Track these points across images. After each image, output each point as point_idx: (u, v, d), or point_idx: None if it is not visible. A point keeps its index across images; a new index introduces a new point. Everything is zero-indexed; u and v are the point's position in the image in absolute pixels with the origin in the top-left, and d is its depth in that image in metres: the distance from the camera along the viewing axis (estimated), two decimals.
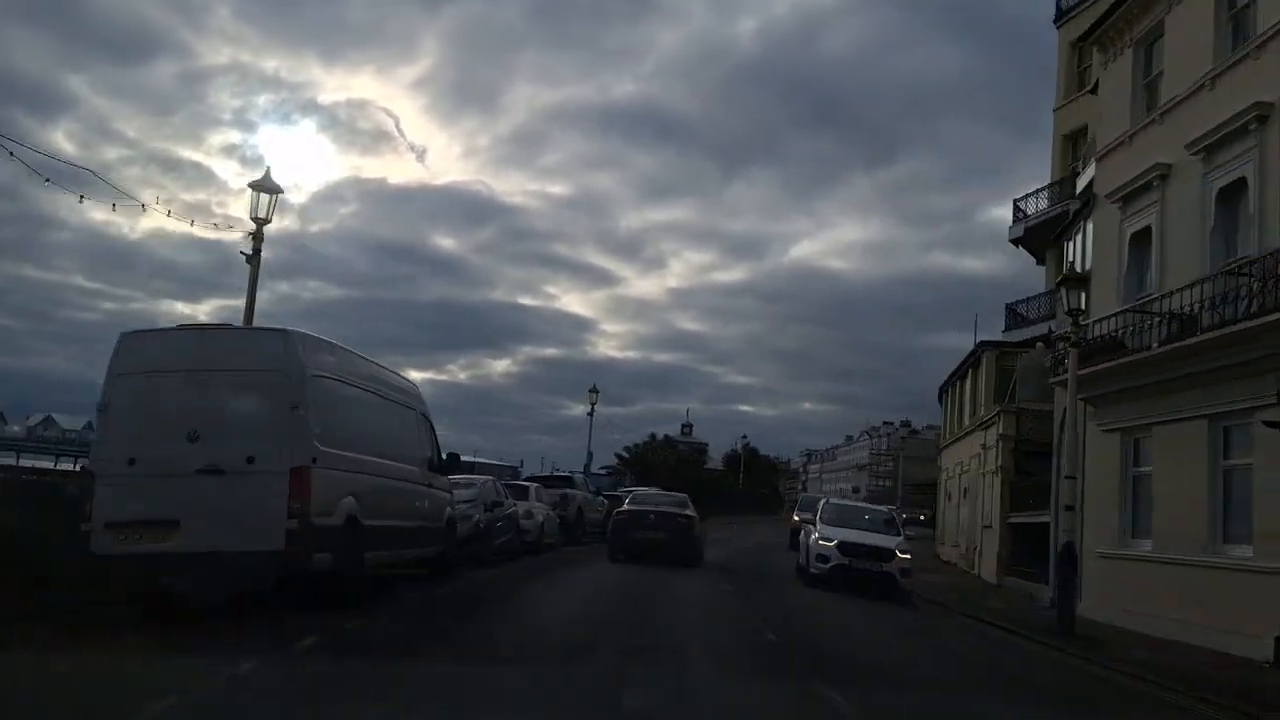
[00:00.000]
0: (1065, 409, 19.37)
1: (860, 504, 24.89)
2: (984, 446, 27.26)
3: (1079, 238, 19.52)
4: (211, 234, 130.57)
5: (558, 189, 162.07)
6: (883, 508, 24.77)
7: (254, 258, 15.51)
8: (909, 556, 18.66)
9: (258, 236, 15.52)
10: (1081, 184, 26.84)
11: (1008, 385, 27.00)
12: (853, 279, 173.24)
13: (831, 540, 18.17)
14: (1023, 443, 24.97)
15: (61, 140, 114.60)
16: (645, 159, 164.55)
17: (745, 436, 70.03)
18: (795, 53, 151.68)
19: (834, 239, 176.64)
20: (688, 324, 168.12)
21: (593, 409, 39.16)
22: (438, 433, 14.30)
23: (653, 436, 58.82)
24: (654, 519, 20.43)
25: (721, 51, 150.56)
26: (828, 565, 17.93)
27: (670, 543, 19.89)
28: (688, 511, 21.35)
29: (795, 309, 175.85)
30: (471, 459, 41.31)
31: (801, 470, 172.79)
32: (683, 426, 65.10)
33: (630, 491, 35.91)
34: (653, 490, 26.78)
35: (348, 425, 10.75)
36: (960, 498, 30.70)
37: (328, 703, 6.50)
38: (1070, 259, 19.57)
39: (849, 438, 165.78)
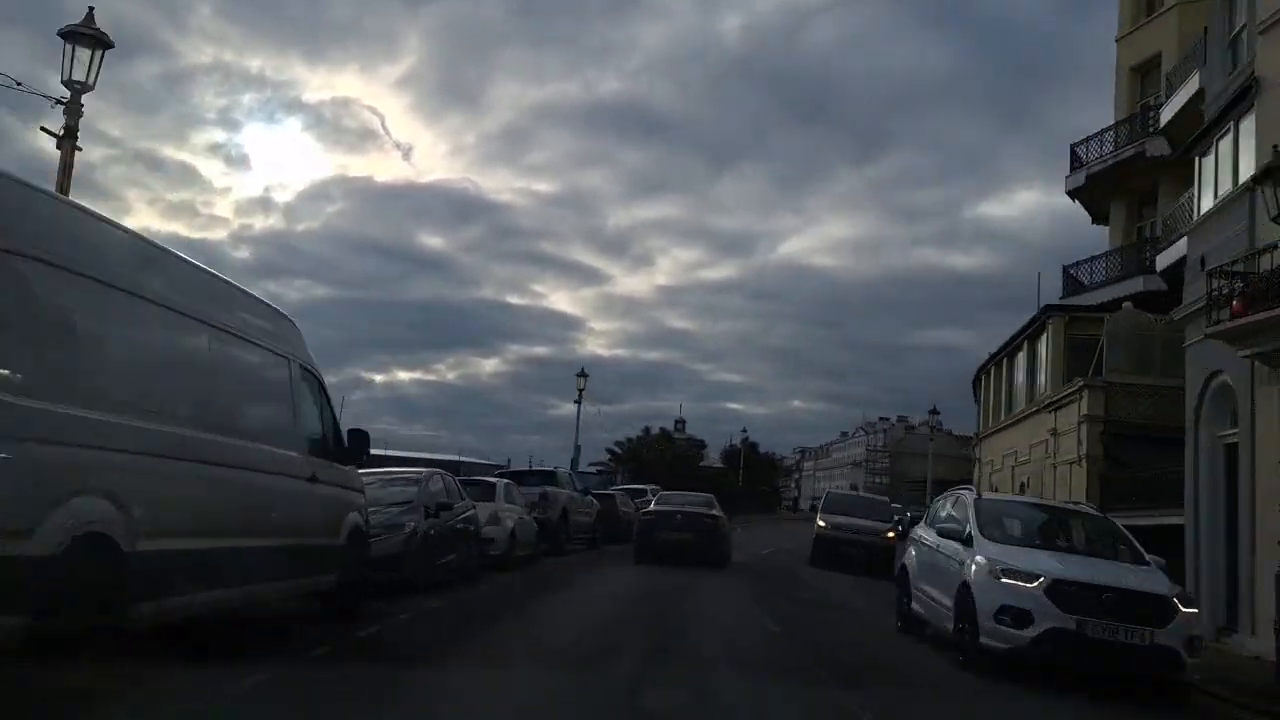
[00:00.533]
0: (1212, 373, 14.34)
1: (1049, 502, 14.78)
2: (1053, 431, 22.20)
3: (1225, 142, 14.44)
4: (197, 233, 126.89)
5: (545, 187, 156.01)
6: (1089, 508, 12.91)
7: (65, 140, 10.30)
8: (1196, 611, 10.01)
9: (72, 108, 10.32)
10: (1167, 115, 21.96)
11: (1087, 356, 21.97)
12: (841, 276, 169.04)
13: (1034, 579, 9.05)
14: (1112, 424, 19.92)
15: (44, 139, 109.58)
16: (633, 156, 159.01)
17: (745, 430, 65.00)
18: (780, 49, 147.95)
19: (822, 235, 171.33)
20: (676, 322, 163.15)
21: (580, 396, 34.03)
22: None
23: (646, 431, 53.66)
24: (681, 519, 20.13)
25: (707, 48, 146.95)
26: (1030, 631, 8.83)
27: (697, 543, 19.60)
28: (714, 512, 20.95)
29: (784, 306, 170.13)
30: (456, 458, 36.24)
31: (795, 468, 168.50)
32: (676, 423, 59.93)
33: (626, 491, 31.06)
34: (676, 491, 25.85)
35: (100, 359, 5.60)
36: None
37: None
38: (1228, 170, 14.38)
39: (844, 434, 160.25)
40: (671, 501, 21.96)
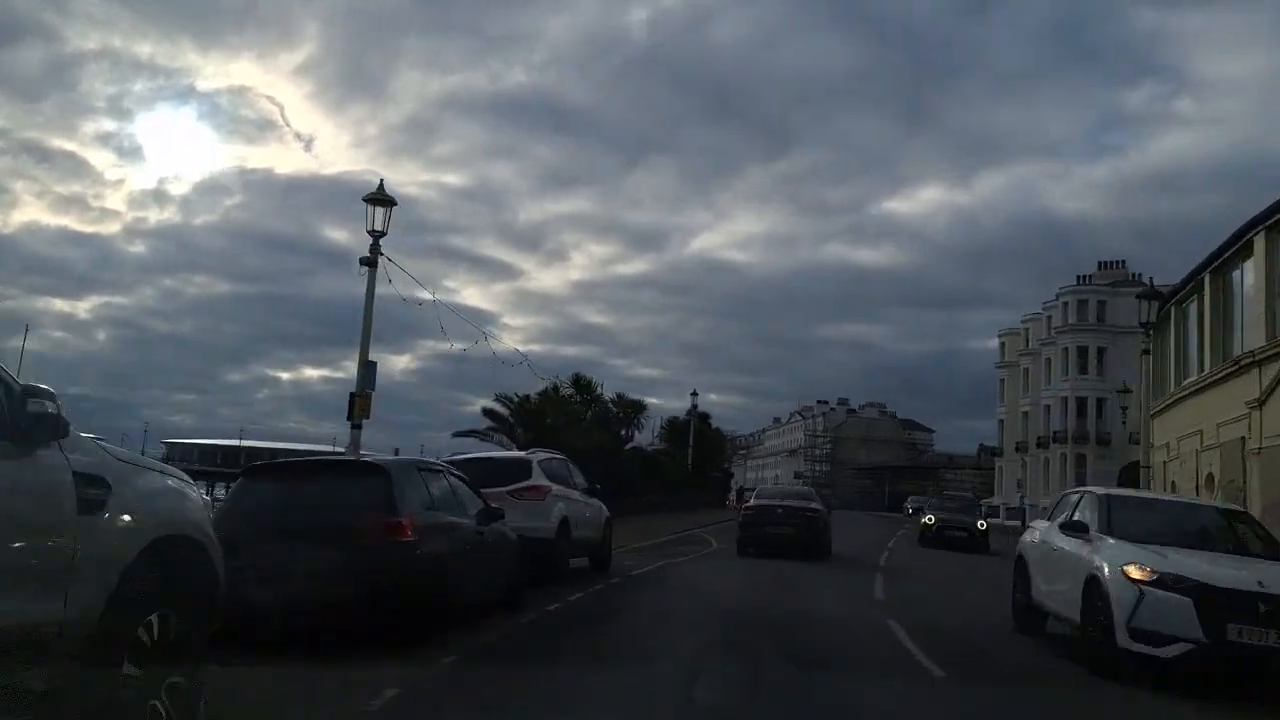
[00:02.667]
0: None
1: None
2: None
3: None
4: (89, 227, 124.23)
5: (453, 179, 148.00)
6: None
7: None
8: None
9: None
10: None
11: None
12: (754, 271, 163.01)
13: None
14: None
15: None
16: (542, 149, 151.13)
17: (695, 394, 45.07)
18: (686, 43, 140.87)
19: (734, 231, 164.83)
20: (592, 317, 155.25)
21: (376, 244, 14.11)
22: None
23: (555, 388, 32.57)
24: (782, 513, 19.95)
25: (613, 41, 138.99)
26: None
27: (799, 537, 19.37)
28: (815, 505, 20.96)
29: (698, 301, 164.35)
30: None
31: (727, 457, 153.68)
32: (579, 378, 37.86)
33: (488, 463, 11.84)
34: (771, 485, 28.43)
35: None
36: None
37: None
38: None
39: (776, 420, 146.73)
40: (771, 495, 22.33)
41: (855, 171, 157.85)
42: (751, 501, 21.71)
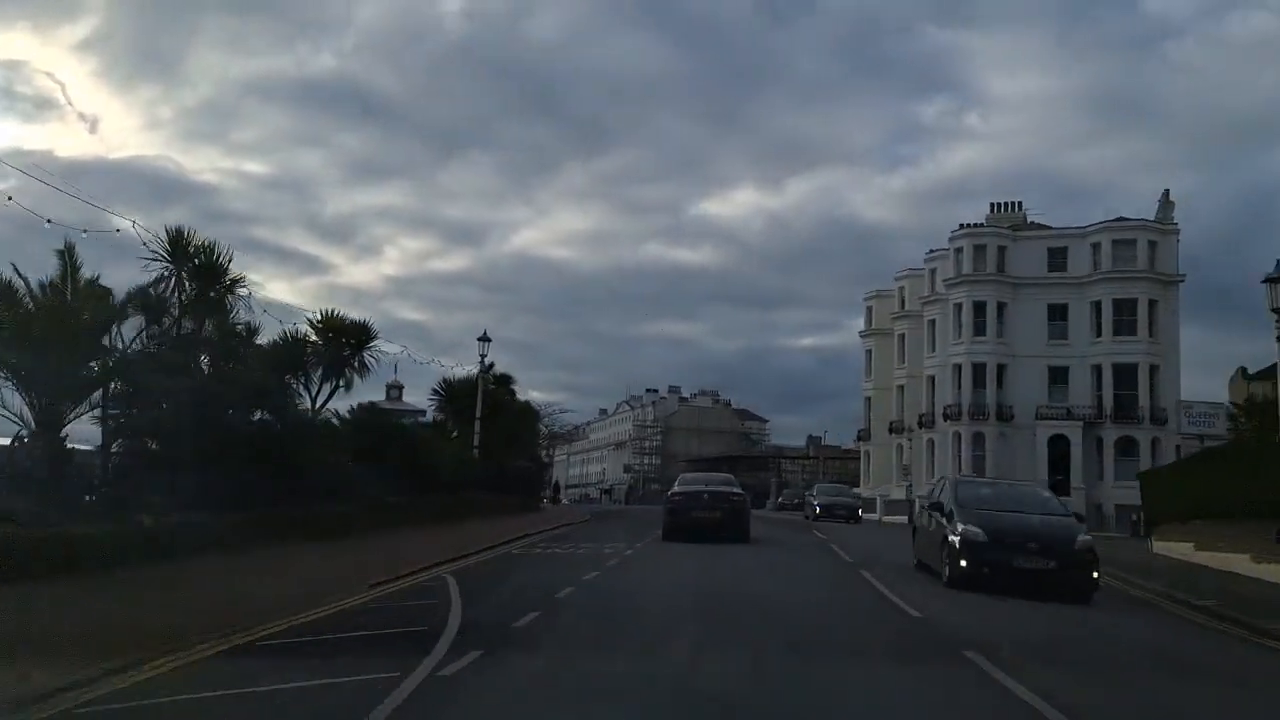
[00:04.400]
0: None
1: None
2: None
3: None
4: None
5: (255, 167, 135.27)
6: None
7: None
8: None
9: None
10: None
11: None
12: (575, 268, 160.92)
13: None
14: None
15: None
16: (351, 139, 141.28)
17: (486, 338, 28.58)
18: (502, 36, 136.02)
19: (554, 228, 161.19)
20: (408, 313, 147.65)
21: None
22: None
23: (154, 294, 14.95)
24: (709, 499, 20.64)
25: (425, 31, 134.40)
26: None
27: (724, 522, 20.06)
28: (737, 490, 21.76)
29: (520, 298, 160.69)
30: None
31: (547, 454, 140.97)
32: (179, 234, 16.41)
33: None
34: (694, 471, 27.24)
35: None
36: None
37: None
38: None
39: (603, 411, 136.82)
40: (695, 482, 22.32)
41: (672, 172, 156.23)
42: (677, 489, 22.03)
